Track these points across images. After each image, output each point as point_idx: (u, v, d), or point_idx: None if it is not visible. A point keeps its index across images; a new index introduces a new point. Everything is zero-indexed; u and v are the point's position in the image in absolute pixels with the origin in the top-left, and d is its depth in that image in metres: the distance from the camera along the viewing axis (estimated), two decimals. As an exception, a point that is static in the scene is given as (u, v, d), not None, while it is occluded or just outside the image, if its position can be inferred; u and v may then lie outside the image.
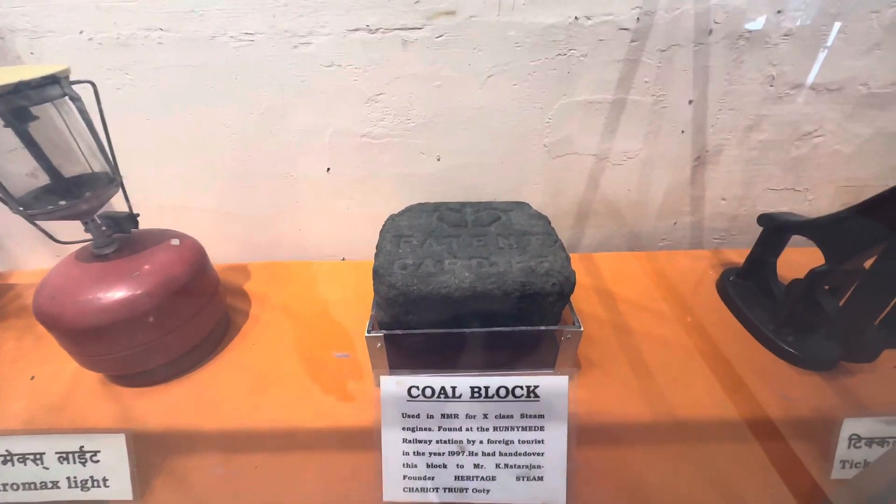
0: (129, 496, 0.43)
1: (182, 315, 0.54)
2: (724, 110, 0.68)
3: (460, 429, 0.42)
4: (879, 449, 0.41)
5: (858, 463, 0.42)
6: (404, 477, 0.42)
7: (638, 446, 0.48)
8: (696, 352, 0.58)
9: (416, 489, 0.42)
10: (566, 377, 0.41)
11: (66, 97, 0.45)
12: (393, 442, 0.42)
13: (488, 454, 0.42)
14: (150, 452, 0.47)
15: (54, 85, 0.43)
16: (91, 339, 0.49)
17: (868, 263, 0.49)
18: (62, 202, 0.46)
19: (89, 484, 0.43)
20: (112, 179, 0.51)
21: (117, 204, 0.55)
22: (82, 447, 0.42)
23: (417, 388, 0.42)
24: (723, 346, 0.59)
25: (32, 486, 0.42)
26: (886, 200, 0.45)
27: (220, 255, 0.66)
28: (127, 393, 0.55)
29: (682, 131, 0.70)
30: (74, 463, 0.42)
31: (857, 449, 0.42)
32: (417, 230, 0.54)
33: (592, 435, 0.48)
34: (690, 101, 0.67)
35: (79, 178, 0.50)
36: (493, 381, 0.41)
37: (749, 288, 0.65)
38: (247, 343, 0.62)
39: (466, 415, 0.42)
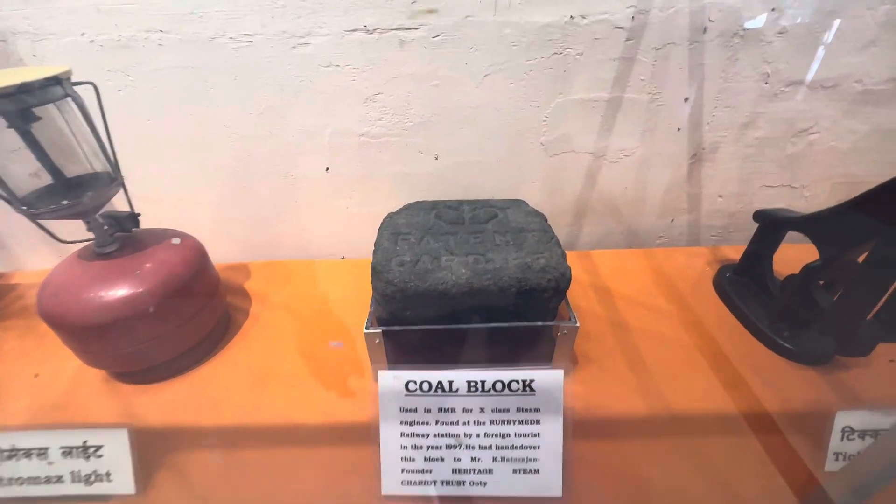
0: (131, 490, 0.44)
1: (183, 313, 0.54)
2: (719, 108, 0.68)
3: (457, 422, 0.42)
4: (872, 441, 0.42)
5: (852, 455, 0.42)
6: (402, 470, 0.43)
7: (634, 440, 0.48)
8: (692, 347, 0.59)
9: (415, 482, 0.43)
10: (561, 371, 0.41)
11: (68, 98, 0.46)
12: (391, 436, 0.43)
13: (485, 447, 0.42)
14: (152, 448, 0.47)
15: (56, 86, 0.44)
16: (93, 337, 0.50)
17: (862, 258, 0.49)
18: (65, 201, 0.47)
19: (92, 478, 0.43)
20: (113, 179, 0.52)
21: (119, 204, 0.56)
22: (85, 442, 0.43)
23: (415, 382, 0.42)
24: (719, 342, 0.59)
25: (37, 480, 0.43)
26: (878, 195, 0.45)
27: (220, 254, 0.67)
28: (129, 390, 0.55)
29: (679, 129, 0.70)
30: (78, 458, 0.43)
31: (851, 441, 0.42)
32: (415, 228, 0.54)
33: (589, 429, 0.48)
34: (686, 99, 0.67)
35: (81, 177, 0.50)
36: (490, 375, 0.42)
37: (745, 284, 0.65)
38: (247, 341, 0.62)
39: (463, 409, 0.42)
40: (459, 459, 0.43)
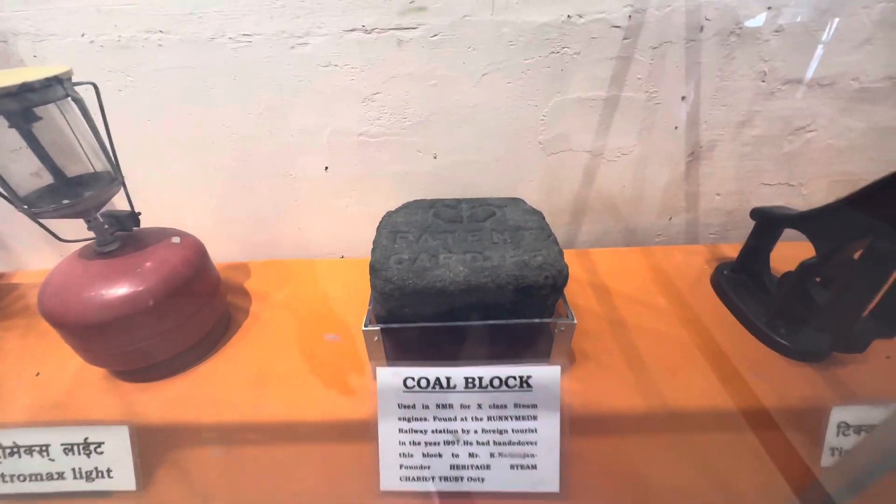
0: (132, 487, 0.44)
1: (183, 311, 0.55)
2: (716, 106, 0.68)
3: (455, 419, 0.43)
4: (867, 436, 0.42)
5: (847, 450, 0.42)
6: (401, 466, 0.43)
7: (631, 436, 0.49)
8: (689, 344, 0.59)
9: (413, 478, 0.43)
10: (558, 367, 0.42)
11: (69, 98, 0.46)
12: (390, 432, 0.43)
13: (483, 443, 0.43)
14: (153, 445, 0.48)
15: (57, 86, 0.45)
16: (94, 335, 0.50)
17: (858, 255, 0.49)
18: (66, 201, 0.48)
19: (94, 475, 0.44)
20: (114, 178, 0.52)
21: (119, 204, 0.56)
22: (86, 439, 0.43)
23: (413, 379, 0.43)
24: (716, 339, 0.59)
25: (39, 477, 0.43)
26: (873, 192, 0.46)
27: (220, 254, 0.68)
28: (130, 388, 0.56)
29: (676, 127, 0.71)
30: (79, 454, 0.43)
31: (846, 437, 0.43)
32: (413, 226, 0.55)
33: (586, 425, 0.49)
34: (683, 98, 0.68)
35: (81, 177, 0.51)
36: (487, 371, 0.42)
37: (743, 282, 0.65)
38: (247, 339, 0.63)
39: (461, 405, 0.43)
40: (457, 455, 0.43)
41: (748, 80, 0.66)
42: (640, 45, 0.63)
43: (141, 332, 0.52)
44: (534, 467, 0.42)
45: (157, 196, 0.74)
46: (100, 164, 0.52)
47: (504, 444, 0.43)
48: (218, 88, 0.65)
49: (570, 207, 0.79)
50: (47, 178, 0.49)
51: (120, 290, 0.50)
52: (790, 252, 0.59)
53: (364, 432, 0.47)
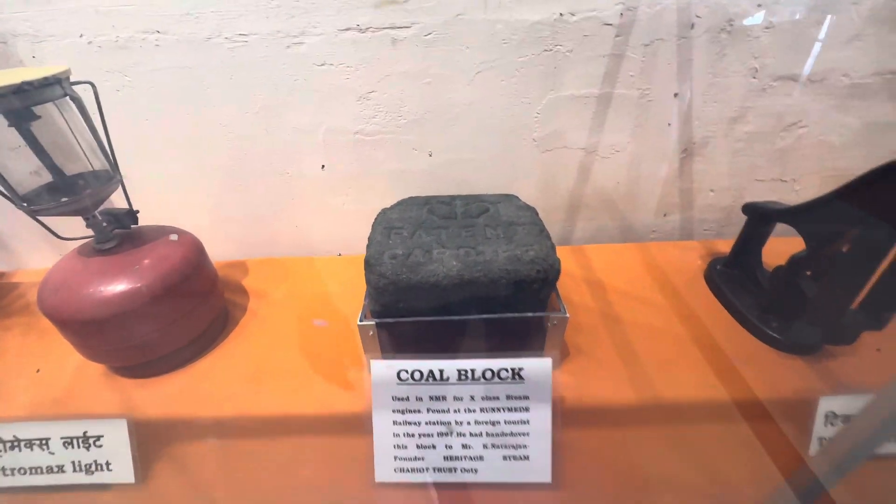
0: (131, 479, 0.45)
1: (181, 307, 0.55)
2: (708, 103, 0.69)
3: (448, 410, 0.43)
4: (853, 425, 0.43)
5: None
6: (395, 458, 0.44)
7: (623, 428, 0.49)
8: (682, 338, 0.59)
9: (407, 470, 0.44)
10: (549, 359, 0.42)
11: (67, 97, 0.47)
12: (384, 424, 0.44)
13: (476, 435, 0.43)
14: (152, 439, 0.48)
15: (55, 85, 0.45)
16: (93, 331, 0.51)
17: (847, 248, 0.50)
18: (64, 199, 0.48)
19: (93, 468, 0.44)
20: (112, 177, 0.53)
21: (118, 203, 0.57)
22: (86, 432, 0.44)
23: (406, 371, 0.43)
24: (709, 333, 0.60)
25: (39, 470, 0.44)
26: (859, 186, 0.46)
27: (218, 252, 0.68)
28: (129, 384, 0.56)
29: (669, 124, 0.71)
30: (78, 448, 0.44)
31: (834, 426, 0.43)
32: (408, 222, 0.55)
33: (579, 417, 0.49)
34: (676, 95, 0.68)
35: (80, 175, 0.51)
36: (479, 363, 0.43)
37: (735, 276, 0.66)
38: (245, 336, 0.64)
39: (454, 397, 0.43)
40: (451, 447, 0.44)
41: (739, 76, 0.67)
42: (631, 42, 0.64)
43: (139, 328, 0.52)
44: (526, 458, 0.43)
45: (155, 195, 0.74)
46: (98, 163, 0.52)
47: (497, 435, 0.43)
48: (214, 88, 0.66)
49: (566, 204, 0.79)
50: (46, 177, 0.50)
51: (118, 286, 0.50)
52: (783, 247, 0.59)
53: (359, 425, 0.48)
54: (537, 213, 0.58)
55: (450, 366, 0.43)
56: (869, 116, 0.70)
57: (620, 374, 0.54)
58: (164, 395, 0.55)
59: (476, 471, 0.43)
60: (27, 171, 0.48)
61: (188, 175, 0.74)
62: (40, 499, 0.45)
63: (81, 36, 0.62)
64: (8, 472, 0.44)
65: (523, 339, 0.53)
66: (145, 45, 0.63)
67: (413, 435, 0.44)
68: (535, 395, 0.43)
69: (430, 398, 0.43)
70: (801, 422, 0.46)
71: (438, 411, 0.43)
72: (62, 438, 0.44)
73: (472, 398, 0.43)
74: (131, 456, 0.44)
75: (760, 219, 0.61)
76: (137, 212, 0.56)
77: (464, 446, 0.43)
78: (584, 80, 0.67)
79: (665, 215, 0.81)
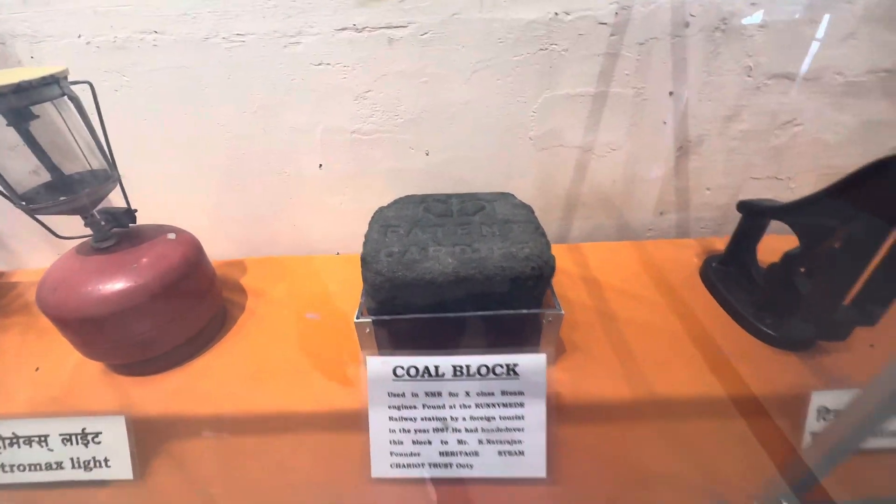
0: (129, 476, 0.45)
1: (179, 305, 0.56)
2: (703, 101, 0.69)
3: (444, 406, 0.44)
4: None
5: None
6: (391, 454, 0.44)
7: (618, 423, 0.50)
8: (678, 335, 0.60)
9: (403, 465, 0.44)
10: (544, 355, 0.43)
11: (65, 97, 0.47)
12: (380, 420, 0.44)
13: (471, 430, 0.44)
14: (150, 436, 0.49)
15: (53, 85, 0.46)
16: (91, 329, 0.51)
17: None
18: (62, 197, 0.49)
19: (91, 464, 0.45)
20: (110, 176, 0.53)
21: (116, 203, 0.57)
22: (84, 429, 0.45)
23: (402, 367, 0.44)
24: (704, 330, 0.60)
25: (38, 466, 0.45)
26: (850, 182, 0.47)
27: (217, 252, 0.69)
28: (127, 381, 0.57)
29: (664, 122, 0.72)
30: (77, 444, 0.45)
31: (826, 421, 0.44)
32: (404, 220, 0.56)
33: (574, 413, 0.50)
34: (671, 93, 0.69)
35: (78, 174, 0.52)
36: (474, 359, 0.43)
37: (731, 273, 0.66)
38: (243, 334, 0.64)
39: (449, 393, 0.44)
40: (446, 442, 0.44)
41: (734, 75, 0.67)
42: (626, 41, 0.64)
43: (137, 326, 0.53)
44: (521, 453, 0.43)
45: (153, 195, 0.75)
46: (96, 162, 0.53)
47: (492, 430, 0.44)
48: (212, 88, 0.66)
49: (562, 202, 0.80)
50: (45, 176, 0.50)
51: (116, 284, 0.51)
52: (779, 244, 0.60)
53: (356, 422, 0.48)
54: (533, 211, 0.58)
55: (445, 362, 0.43)
56: (863, 114, 0.70)
57: (616, 371, 0.55)
58: (163, 393, 0.55)
59: (471, 466, 0.44)
60: (26, 171, 0.49)
61: (187, 175, 0.74)
62: (39, 495, 0.45)
63: (80, 36, 0.62)
64: (7, 468, 0.44)
65: (519, 335, 0.54)
66: (143, 46, 0.63)
67: (409, 431, 0.44)
68: (530, 390, 0.43)
69: (426, 394, 0.44)
70: (794, 417, 0.46)
71: (434, 407, 0.44)
72: (61, 435, 0.44)
73: (468, 394, 0.44)
74: (129, 452, 0.45)
75: (754, 216, 0.62)
76: (135, 211, 0.56)
77: (459, 442, 0.44)
78: (580, 78, 0.67)
79: (661, 213, 0.82)
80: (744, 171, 0.77)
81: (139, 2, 0.60)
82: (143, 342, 0.54)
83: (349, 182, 0.76)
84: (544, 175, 0.76)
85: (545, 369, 0.43)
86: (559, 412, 0.48)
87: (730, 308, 0.62)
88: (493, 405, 0.44)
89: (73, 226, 0.54)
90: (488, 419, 0.44)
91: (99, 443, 0.45)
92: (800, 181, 0.78)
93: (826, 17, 0.63)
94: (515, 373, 0.43)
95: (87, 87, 0.51)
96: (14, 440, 0.44)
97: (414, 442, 0.44)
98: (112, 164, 0.53)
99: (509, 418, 0.43)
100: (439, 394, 0.44)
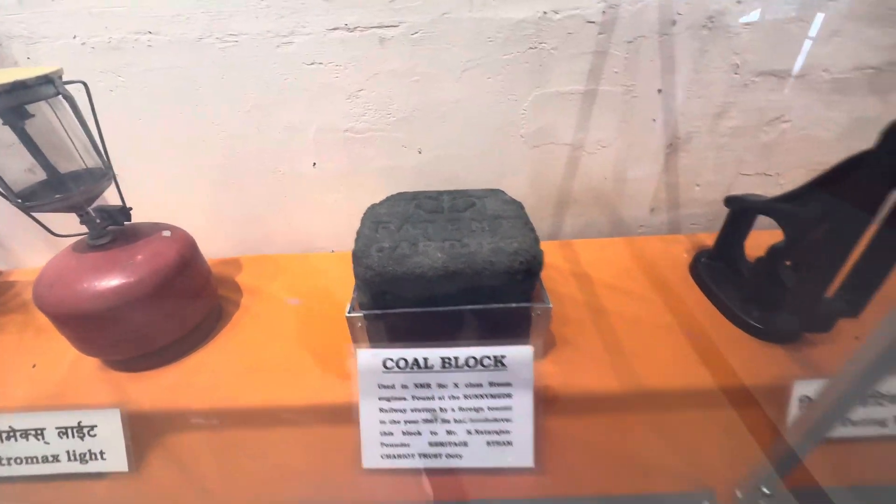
0: (124, 468, 0.46)
1: (174, 302, 0.57)
2: (692, 98, 0.70)
3: (433, 398, 0.45)
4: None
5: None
6: (382, 445, 0.45)
7: (606, 414, 0.50)
8: (667, 329, 0.61)
9: (394, 456, 0.45)
10: (531, 347, 0.44)
11: (60, 96, 0.48)
12: (370, 412, 0.45)
13: (460, 421, 0.45)
14: (145, 430, 0.50)
15: (48, 84, 0.47)
16: (87, 325, 0.52)
17: (823, 237, 0.51)
18: (58, 195, 0.49)
19: (87, 457, 0.45)
20: (105, 174, 0.54)
21: (112, 201, 0.58)
22: (80, 422, 0.45)
23: (392, 360, 0.44)
24: (693, 324, 0.61)
25: (34, 459, 0.45)
26: (832, 176, 0.47)
27: (213, 250, 0.69)
28: (123, 377, 0.57)
29: (654, 120, 0.72)
30: (73, 437, 0.45)
31: (808, 410, 0.45)
32: (395, 217, 0.57)
33: (563, 405, 0.51)
34: (659, 91, 0.70)
35: (73, 172, 0.53)
36: (463, 351, 0.44)
37: (719, 268, 0.67)
38: (237, 330, 0.65)
39: (438, 384, 0.44)
40: (436, 433, 0.45)
41: (721, 72, 0.68)
42: (614, 39, 0.65)
43: (132, 322, 0.53)
44: (509, 443, 0.44)
45: (149, 195, 0.76)
46: (91, 160, 0.54)
47: (480, 421, 0.44)
48: (206, 88, 0.67)
49: (554, 199, 0.81)
50: (40, 174, 0.51)
51: (112, 281, 0.52)
52: (768, 239, 0.61)
53: (348, 414, 0.49)
54: (523, 207, 0.59)
55: (434, 354, 0.44)
56: (851, 111, 0.71)
57: (605, 363, 0.56)
58: (158, 388, 0.56)
59: (461, 456, 0.45)
60: (21, 169, 0.50)
61: (182, 174, 0.75)
62: (36, 488, 0.46)
63: (75, 37, 0.63)
64: (4, 461, 0.45)
65: (508, 329, 0.54)
66: (138, 46, 0.64)
67: (399, 422, 0.45)
68: (517, 382, 0.44)
69: (416, 385, 0.45)
70: (778, 405, 0.47)
71: (423, 398, 0.45)
72: (57, 428, 0.45)
73: (456, 385, 0.44)
74: (125, 445, 0.45)
75: (742, 211, 0.63)
76: (130, 208, 0.57)
77: (448, 432, 0.45)
78: (570, 77, 0.68)
79: (652, 210, 0.82)
80: (733, 168, 0.78)
81: (133, 3, 0.61)
82: (138, 338, 0.55)
83: (343, 180, 0.77)
84: (536, 172, 0.77)
85: (532, 361, 0.44)
86: (548, 404, 0.49)
87: (718, 302, 0.63)
88: (482, 396, 0.44)
89: (69, 224, 0.54)
90: (477, 410, 0.44)
91: (94, 436, 0.45)
92: (789, 177, 0.79)
93: (812, 14, 0.64)
94: (503, 364, 0.44)
95: (81, 86, 0.51)
96: (11, 434, 0.45)
97: (404, 433, 0.45)
98: (107, 162, 0.54)
99: (497, 409, 0.44)
100: (428, 385, 0.45)
